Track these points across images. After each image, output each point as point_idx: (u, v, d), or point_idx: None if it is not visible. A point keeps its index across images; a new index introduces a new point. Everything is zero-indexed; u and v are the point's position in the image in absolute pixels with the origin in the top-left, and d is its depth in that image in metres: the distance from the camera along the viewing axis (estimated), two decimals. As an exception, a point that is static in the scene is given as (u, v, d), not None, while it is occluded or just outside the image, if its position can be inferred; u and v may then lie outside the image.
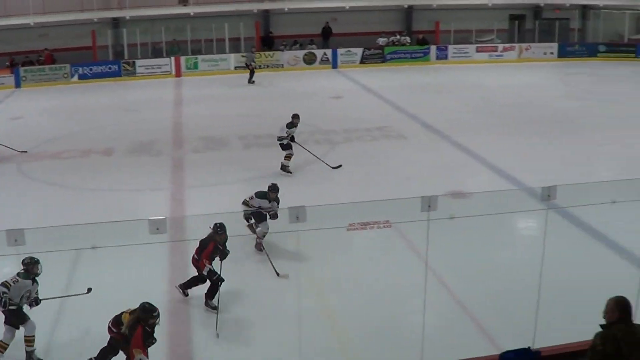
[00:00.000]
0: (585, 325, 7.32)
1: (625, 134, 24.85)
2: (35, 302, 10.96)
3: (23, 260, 10.65)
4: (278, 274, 13.42)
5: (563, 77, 38.27)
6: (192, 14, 40.30)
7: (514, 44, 44.04)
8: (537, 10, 46.65)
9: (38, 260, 10.72)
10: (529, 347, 8.45)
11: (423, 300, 9.62)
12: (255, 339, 11.69)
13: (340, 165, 20.77)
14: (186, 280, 12.91)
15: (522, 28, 46.14)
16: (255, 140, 24.52)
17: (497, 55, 43.35)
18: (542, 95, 32.48)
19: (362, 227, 9.93)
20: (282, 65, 40.96)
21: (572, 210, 14.16)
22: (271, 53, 40.72)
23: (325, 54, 41.42)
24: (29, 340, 10.92)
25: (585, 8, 46.90)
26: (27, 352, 10.92)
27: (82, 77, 37.83)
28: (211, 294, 12.48)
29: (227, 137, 25.05)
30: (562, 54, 44.17)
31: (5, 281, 10.68)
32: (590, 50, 44.59)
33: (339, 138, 24.47)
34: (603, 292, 7.39)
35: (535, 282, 9.53)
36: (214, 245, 12.47)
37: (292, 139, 20.43)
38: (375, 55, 42.08)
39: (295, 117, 20.61)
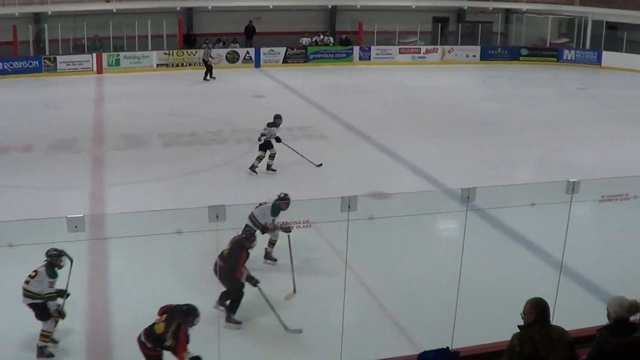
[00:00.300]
0: (503, 326, 7.32)
1: (545, 137, 25.20)
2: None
3: (47, 252, 10.59)
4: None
5: (485, 80, 38.65)
6: (114, 10, 39.68)
7: (436, 46, 44.31)
8: (460, 13, 47.12)
9: (63, 251, 10.61)
10: (447, 347, 8.43)
11: (342, 300, 9.54)
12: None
13: (321, 164, 20.73)
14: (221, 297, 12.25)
15: (445, 31, 46.49)
16: (176, 138, 24.23)
17: (419, 57, 43.59)
18: (464, 98, 32.78)
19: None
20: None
21: (491, 212, 14.24)
22: (194, 51, 40.32)
23: (248, 52, 41.12)
24: (44, 336, 10.81)
25: (508, 12, 47.58)
26: (38, 346, 10.82)
27: (2, 72, 36.89)
28: (235, 307, 12.09)
29: (148, 135, 24.71)
30: (485, 57, 44.61)
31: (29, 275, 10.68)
32: (513, 54, 45.13)
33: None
34: (521, 293, 7.40)
35: (454, 282, 9.53)
36: (246, 251, 12.14)
37: (278, 139, 20.23)
38: (298, 55, 41.97)
39: (277, 117, 20.38)
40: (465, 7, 46.55)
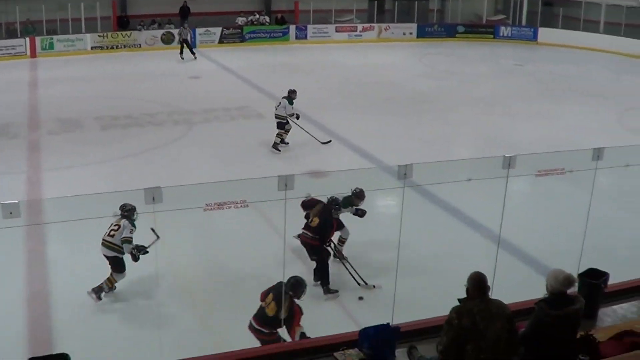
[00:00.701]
0: (443, 301, 7.31)
1: (482, 113, 25.39)
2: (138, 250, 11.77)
3: (123, 207, 11.64)
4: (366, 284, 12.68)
5: (422, 58, 38.82)
6: (47, -8, 39.04)
7: (373, 24, 44.33)
8: (396, -10, 47.20)
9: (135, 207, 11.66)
10: (388, 323, 8.40)
11: (282, 278, 9.53)
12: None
13: (330, 141, 20.99)
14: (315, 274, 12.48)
15: (381, 9, 46.49)
16: (112, 121, 23.89)
17: (356, 36, 43.58)
18: (402, 76, 32.88)
19: (219, 207, 9.72)
20: (140, 45, 40.02)
21: (429, 188, 14.27)
22: (128, 33, 39.81)
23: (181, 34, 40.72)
24: (110, 281, 11.98)
25: (445, -11, 47.74)
26: (99, 285, 11.89)
27: None
28: (327, 277, 12.27)
29: (84, 118, 24.32)
30: (421, 34, 44.78)
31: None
32: (449, 31, 45.40)
33: (197, 118, 24.12)
34: (460, 268, 7.41)
35: (394, 259, 9.51)
36: (336, 221, 12.33)
37: (297, 116, 20.62)
38: (234, 35, 41.66)
39: (293, 92, 20.70)
40: (402, -15, 46.65)
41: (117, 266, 11.97)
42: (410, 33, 44.67)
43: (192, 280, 12.73)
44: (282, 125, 20.23)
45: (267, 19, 43.29)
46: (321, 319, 10.94)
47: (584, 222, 10.88)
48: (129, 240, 11.75)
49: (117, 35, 39.48)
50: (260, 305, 9.78)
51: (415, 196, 14.19)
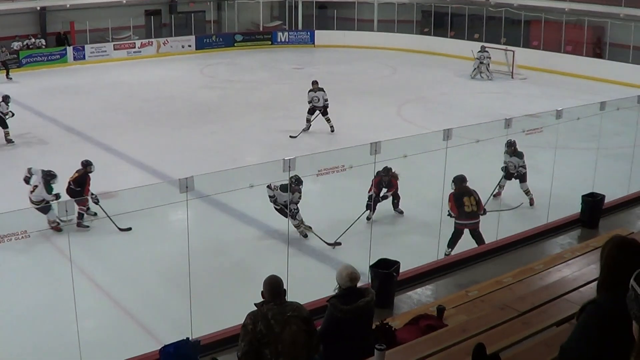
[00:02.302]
0: (240, 309, 7.30)
1: (264, 118, 25.69)
2: None
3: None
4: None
5: (203, 69, 38.79)
6: None
7: (151, 40, 43.84)
8: (172, 4, 46.65)
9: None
10: (187, 338, 8.35)
11: (77, 308, 9.25)
12: None
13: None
14: None
15: (158, 23, 46.08)
16: None
17: (135, 52, 42.97)
18: (184, 88, 32.74)
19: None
20: None
21: (217, 197, 14.26)
22: None
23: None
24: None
25: (220, 0, 47.75)
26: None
27: None
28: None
29: None
30: (200, 46, 44.75)
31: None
32: (228, 41, 45.62)
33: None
34: (255, 273, 7.43)
35: (185, 272, 9.44)
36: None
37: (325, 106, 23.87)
38: (10, 61, 40.22)
39: (313, 82, 24.33)
40: (176, -2, 46.42)
41: (44, 209, 14.66)
42: (190, 45, 44.57)
43: None
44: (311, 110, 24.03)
45: (44, 41, 41.94)
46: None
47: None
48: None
49: None
50: None
51: (204, 206, 14.22)
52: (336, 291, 7.17)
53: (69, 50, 41.55)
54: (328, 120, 24.00)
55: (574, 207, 13.49)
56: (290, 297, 6.98)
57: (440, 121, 22.32)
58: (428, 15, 44.90)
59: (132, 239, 14.54)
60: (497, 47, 37.18)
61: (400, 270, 10.20)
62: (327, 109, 23.85)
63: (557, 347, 4.42)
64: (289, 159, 9.44)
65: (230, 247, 14.46)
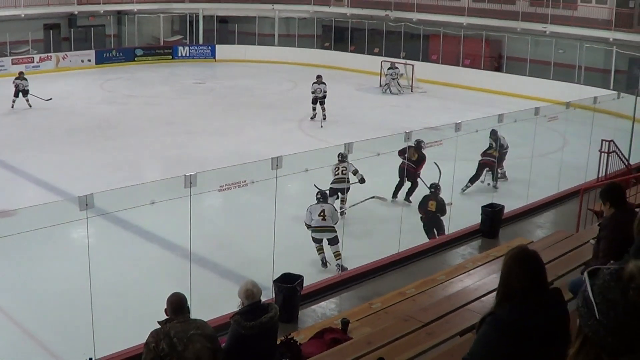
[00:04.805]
0: (144, 327, 7.23)
1: (166, 134, 25.52)
2: None
3: None
4: None
5: (102, 84, 38.28)
6: None
7: (50, 54, 43.06)
8: (71, 18, 45.93)
9: None
10: (90, 359, 8.25)
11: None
12: None
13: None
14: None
15: (57, 37, 45.32)
16: None
17: (33, 67, 42.07)
18: (83, 103, 32.22)
19: None
20: None
21: (119, 214, 14.08)
22: None
23: None
24: None
25: (120, 14, 47.15)
26: None
27: None
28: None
29: None
30: (100, 60, 44.17)
31: None
32: (128, 55, 45.15)
33: None
34: (157, 290, 7.36)
35: (87, 291, 9.30)
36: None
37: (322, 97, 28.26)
38: None
39: (317, 76, 28.77)
40: (76, 12, 45.47)
41: None
42: (89, 60, 43.93)
43: None
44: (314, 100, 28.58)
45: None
46: None
47: (272, 229, 11.19)
48: None
49: None
50: None
51: (106, 224, 14.01)
52: (239, 307, 7.14)
53: (-38, 64, 40.62)
54: (323, 109, 28.10)
55: (474, 218, 13.77)
56: (194, 314, 6.94)
57: (341, 135, 22.52)
58: (329, 30, 45.42)
59: (31, 259, 14.23)
60: (397, 61, 37.76)
61: (304, 284, 10.26)
62: (325, 99, 28.14)
63: (460, 357, 4.50)
64: (190, 175, 9.40)
65: (132, 265, 14.29)
